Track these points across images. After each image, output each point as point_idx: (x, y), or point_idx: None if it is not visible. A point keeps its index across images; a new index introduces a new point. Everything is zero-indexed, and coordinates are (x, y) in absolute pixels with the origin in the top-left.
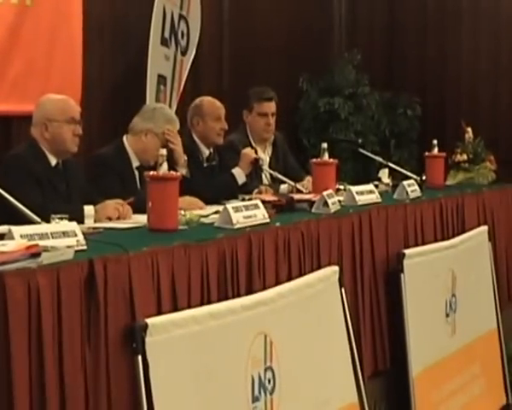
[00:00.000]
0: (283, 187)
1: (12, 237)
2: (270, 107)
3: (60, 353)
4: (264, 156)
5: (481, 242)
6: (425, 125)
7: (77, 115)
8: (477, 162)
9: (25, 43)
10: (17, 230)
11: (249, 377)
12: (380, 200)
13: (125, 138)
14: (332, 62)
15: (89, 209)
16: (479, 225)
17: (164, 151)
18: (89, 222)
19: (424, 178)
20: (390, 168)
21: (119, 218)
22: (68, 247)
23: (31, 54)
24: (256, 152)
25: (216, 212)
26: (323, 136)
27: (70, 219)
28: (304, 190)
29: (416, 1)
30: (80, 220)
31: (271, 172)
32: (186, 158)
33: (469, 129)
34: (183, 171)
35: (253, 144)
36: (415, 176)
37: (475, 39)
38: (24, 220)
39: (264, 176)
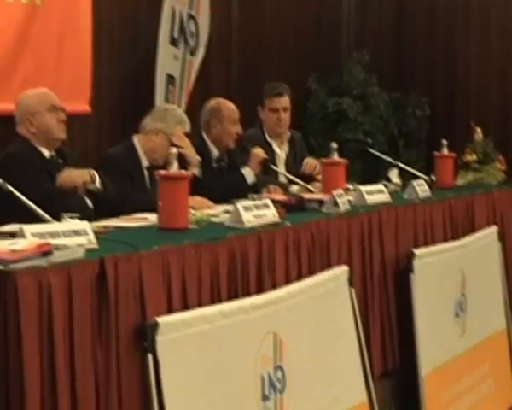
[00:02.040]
0: (294, 187)
1: (23, 236)
2: (281, 102)
3: (71, 351)
4: (280, 152)
5: (491, 242)
6: (434, 126)
7: (56, 102)
8: (487, 162)
9: (34, 43)
10: (28, 228)
11: (259, 376)
12: (389, 200)
13: (135, 138)
14: (341, 62)
15: None
16: (488, 225)
17: (174, 150)
18: None
19: (434, 178)
20: (399, 168)
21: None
22: (79, 245)
23: (40, 53)
24: (271, 147)
25: (226, 211)
26: (332, 136)
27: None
28: (314, 190)
29: (425, 1)
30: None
31: (282, 171)
32: (199, 158)
33: (479, 129)
34: (195, 171)
35: (269, 140)
36: (424, 176)
37: (484, 39)
38: (34, 218)
39: (276, 174)
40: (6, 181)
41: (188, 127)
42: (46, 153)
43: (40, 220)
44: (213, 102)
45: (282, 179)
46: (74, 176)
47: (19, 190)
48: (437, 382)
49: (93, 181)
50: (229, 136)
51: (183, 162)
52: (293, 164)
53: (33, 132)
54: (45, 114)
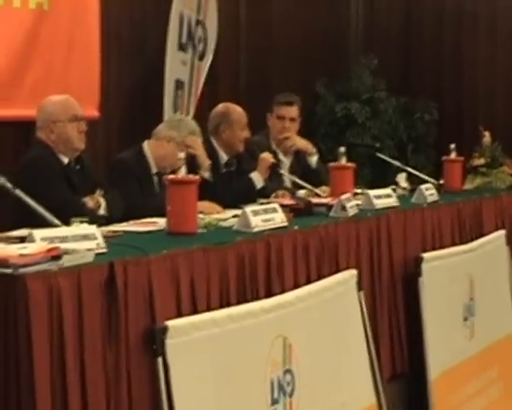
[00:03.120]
0: (302, 192)
1: (33, 240)
2: (289, 111)
3: (81, 354)
4: (286, 160)
5: (499, 246)
6: (442, 130)
7: (79, 112)
8: (495, 167)
9: (43, 49)
10: (38, 233)
11: (268, 380)
12: (398, 204)
13: (145, 144)
14: (349, 67)
15: None
16: (497, 229)
17: (183, 155)
18: None
19: (442, 182)
20: (408, 172)
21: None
22: (89, 250)
23: (49, 59)
24: (276, 155)
25: (234, 215)
26: (340, 140)
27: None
28: (322, 194)
29: (433, 5)
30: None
31: (290, 176)
32: (210, 162)
33: (487, 133)
34: (206, 174)
35: (273, 147)
36: (432, 180)
37: (492, 43)
38: (44, 223)
39: (284, 179)
40: (25, 185)
41: (200, 139)
42: (64, 159)
43: (50, 225)
44: (222, 107)
45: (288, 185)
46: None
47: (36, 194)
48: (446, 385)
49: (98, 207)
50: (239, 140)
51: (194, 165)
52: (297, 170)
53: (53, 140)
54: (66, 124)
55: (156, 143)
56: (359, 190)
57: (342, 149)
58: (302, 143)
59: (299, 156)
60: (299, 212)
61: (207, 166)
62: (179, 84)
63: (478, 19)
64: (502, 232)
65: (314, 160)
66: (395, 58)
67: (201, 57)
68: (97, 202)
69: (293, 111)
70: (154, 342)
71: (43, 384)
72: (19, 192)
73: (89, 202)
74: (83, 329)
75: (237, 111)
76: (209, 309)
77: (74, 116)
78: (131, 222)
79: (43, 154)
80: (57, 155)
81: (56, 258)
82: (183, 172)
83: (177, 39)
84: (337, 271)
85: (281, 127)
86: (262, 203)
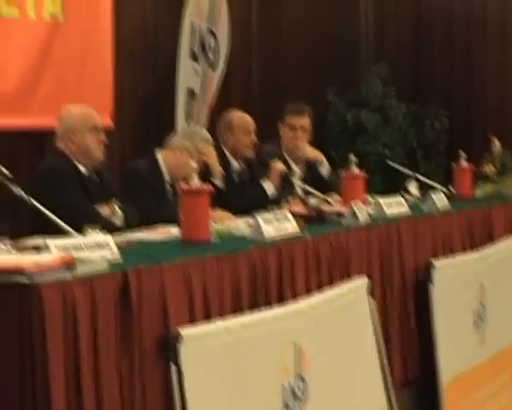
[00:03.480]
0: (313, 200)
1: (48, 249)
2: (299, 121)
3: (96, 362)
4: (297, 169)
5: (510, 252)
6: (452, 137)
7: (98, 123)
8: (505, 173)
9: (56, 60)
10: (53, 242)
11: (280, 386)
12: (408, 211)
13: (158, 153)
14: (359, 75)
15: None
16: (506, 235)
17: (195, 164)
18: None
19: (452, 189)
20: (418, 180)
21: None
22: (102, 258)
23: (62, 70)
24: (287, 164)
25: (247, 224)
26: (351, 148)
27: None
28: (333, 203)
29: (443, 14)
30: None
31: (301, 184)
32: (222, 171)
33: (496, 140)
34: (218, 182)
35: (286, 156)
36: (443, 187)
37: (501, 51)
38: (59, 231)
39: (296, 188)
40: (40, 193)
41: (212, 148)
42: (83, 169)
43: (64, 233)
44: (226, 115)
45: (299, 193)
46: None
47: (51, 202)
48: (457, 391)
49: (113, 215)
50: (243, 145)
51: (207, 173)
52: (308, 178)
53: (72, 150)
54: (86, 134)
55: (169, 152)
56: (370, 198)
57: (353, 158)
58: (311, 153)
59: (310, 165)
60: (310, 220)
61: (220, 174)
62: (191, 94)
63: (487, 26)
64: None
65: (325, 169)
66: (405, 66)
67: (213, 67)
68: (113, 210)
69: (304, 120)
70: (168, 349)
71: (58, 391)
72: (34, 201)
73: (104, 210)
74: (97, 336)
75: (239, 117)
76: (222, 316)
77: (94, 127)
78: (145, 230)
79: (60, 163)
80: (76, 165)
81: (71, 267)
82: (195, 181)
83: (189, 49)
84: (348, 278)
85: (292, 137)
86: (274, 212)
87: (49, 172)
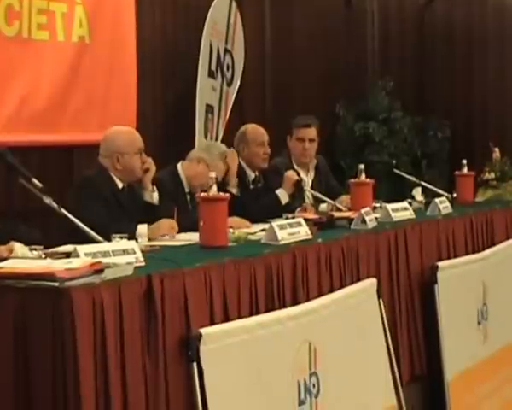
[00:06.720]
0: (323, 206)
1: (77, 255)
2: (307, 133)
3: (122, 361)
4: (307, 179)
5: (510, 254)
6: (454, 146)
7: (142, 145)
8: (504, 180)
9: (84, 78)
10: (82, 248)
11: (295, 382)
12: (414, 216)
13: (179, 165)
14: (366, 90)
15: (142, 228)
16: (507, 238)
17: (213, 174)
18: (143, 240)
19: (455, 195)
20: (423, 187)
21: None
22: (128, 263)
23: (90, 88)
24: (298, 174)
25: (262, 230)
26: (359, 158)
27: (129, 238)
28: (343, 209)
29: (445, 31)
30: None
31: (313, 192)
32: (237, 179)
33: (496, 149)
34: (233, 190)
35: (295, 167)
36: (446, 193)
37: (501, 64)
38: (87, 239)
39: (306, 196)
40: (75, 201)
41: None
42: (120, 184)
43: (93, 241)
44: (241, 128)
45: (310, 200)
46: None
47: (83, 211)
48: (462, 386)
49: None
50: (258, 157)
51: (223, 183)
52: (318, 187)
53: (118, 169)
54: (133, 156)
55: (188, 163)
56: (378, 204)
57: (361, 167)
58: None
59: (319, 176)
60: (322, 225)
61: (235, 183)
62: (209, 109)
63: (487, 42)
64: None
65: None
66: (409, 80)
67: (229, 83)
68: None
69: (312, 132)
70: (189, 348)
71: (88, 390)
72: (64, 211)
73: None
74: (124, 337)
75: (253, 129)
76: (240, 317)
77: (139, 149)
78: (167, 237)
79: (96, 176)
80: (113, 179)
81: (99, 272)
82: (214, 191)
83: (207, 67)
84: (358, 280)
85: (301, 148)
86: (288, 218)
87: (80, 183)
